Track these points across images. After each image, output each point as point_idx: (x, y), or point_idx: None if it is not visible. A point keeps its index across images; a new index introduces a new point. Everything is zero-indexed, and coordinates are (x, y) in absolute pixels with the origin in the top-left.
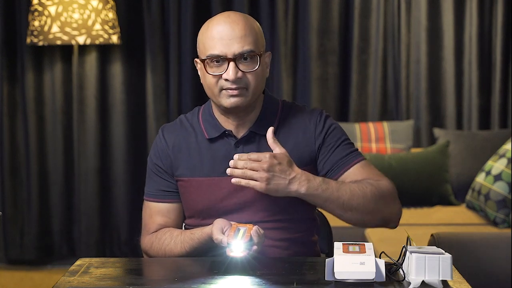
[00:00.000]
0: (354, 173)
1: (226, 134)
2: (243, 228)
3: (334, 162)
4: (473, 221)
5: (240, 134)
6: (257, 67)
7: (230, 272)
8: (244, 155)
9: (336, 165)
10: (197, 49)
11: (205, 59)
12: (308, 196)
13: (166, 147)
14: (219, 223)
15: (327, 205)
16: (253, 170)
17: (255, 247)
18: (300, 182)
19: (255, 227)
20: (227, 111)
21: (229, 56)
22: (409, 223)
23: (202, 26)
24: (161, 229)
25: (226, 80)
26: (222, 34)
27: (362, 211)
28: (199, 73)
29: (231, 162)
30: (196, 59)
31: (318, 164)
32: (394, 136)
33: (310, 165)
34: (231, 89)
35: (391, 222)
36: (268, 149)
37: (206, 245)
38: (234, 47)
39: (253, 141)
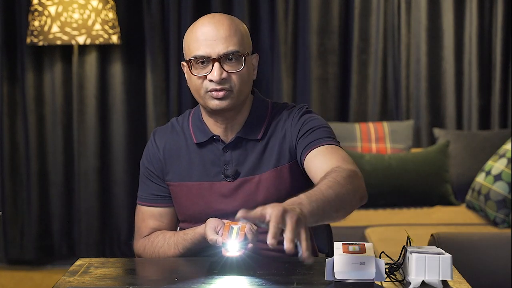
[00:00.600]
0: (320, 153)
1: (214, 139)
2: (236, 226)
3: (305, 145)
4: (473, 221)
5: (229, 138)
6: (242, 67)
7: (225, 272)
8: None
9: (312, 143)
10: (183, 52)
11: (190, 60)
12: (311, 219)
13: (157, 151)
14: (211, 222)
15: (325, 216)
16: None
17: (250, 245)
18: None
19: (248, 225)
20: (214, 113)
21: (214, 56)
22: (409, 223)
23: (188, 29)
24: (154, 232)
25: (211, 81)
26: (206, 35)
27: (347, 198)
28: (186, 76)
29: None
30: (182, 62)
31: (296, 149)
32: (394, 136)
33: (292, 161)
34: (216, 90)
35: (364, 197)
36: (256, 151)
37: (199, 245)
38: (218, 48)
39: (240, 146)
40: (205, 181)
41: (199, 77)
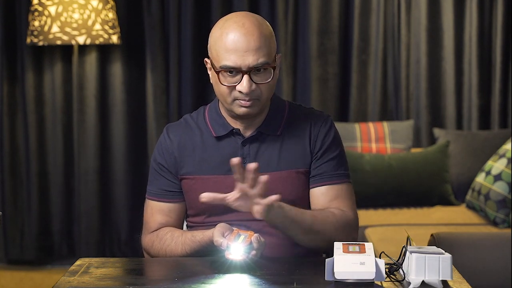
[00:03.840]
0: (335, 192)
1: (233, 132)
2: (243, 234)
3: (322, 171)
4: (473, 221)
5: (248, 133)
6: (270, 79)
7: (228, 272)
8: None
9: (323, 175)
10: (209, 52)
11: (219, 70)
12: (279, 209)
13: (171, 146)
14: (221, 227)
15: (292, 227)
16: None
17: (253, 252)
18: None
19: (256, 235)
20: (238, 117)
21: (244, 68)
22: (409, 223)
23: (215, 28)
24: (162, 228)
25: (240, 92)
26: (237, 46)
27: (322, 237)
28: (209, 72)
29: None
30: (206, 59)
31: (310, 167)
32: (394, 136)
33: (309, 168)
34: (244, 100)
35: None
36: (275, 146)
37: (206, 248)
38: (248, 60)
39: (260, 140)
40: (221, 174)
41: (228, 86)
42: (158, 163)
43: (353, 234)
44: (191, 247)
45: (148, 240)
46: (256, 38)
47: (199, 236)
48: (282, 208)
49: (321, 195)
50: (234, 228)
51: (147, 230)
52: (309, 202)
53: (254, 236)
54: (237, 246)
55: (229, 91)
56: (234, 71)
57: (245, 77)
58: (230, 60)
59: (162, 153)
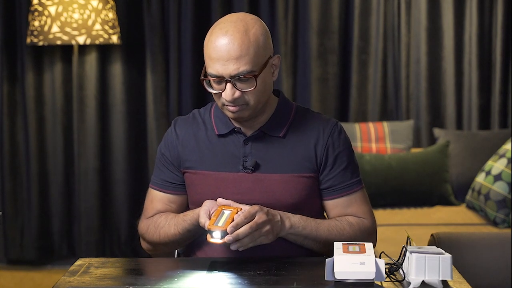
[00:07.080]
0: (349, 201)
1: (235, 131)
2: (227, 212)
3: (336, 183)
4: (473, 221)
5: (250, 132)
6: (254, 87)
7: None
8: (235, 223)
9: (337, 187)
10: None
11: (205, 78)
12: (291, 230)
13: (176, 139)
14: (206, 205)
15: (306, 242)
16: (257, 230)
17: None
18: (286, 218)
19: (240, 211)
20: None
21: (226, 77)
22: (409, 223)
23: (207, 34)
24: (158, 213)
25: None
26: (219, 54)
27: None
28: None
29: (231, 240)
30: None
31: (321, 176)
32: (394, 136)
33: (314, 173)
34: (231, 106)
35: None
36: (278, 148)
37: (198, 227)
38: (230, 69)
39: (262, 140)
40: (222, 171)
41: (215, 93)
42: (162, 154)
43: (371, 239)
44: (183, 226)
45: (144, 225)
46: (237, 47)
47: (190, 215)
48: (294, 228)
49: (337, 206)
50: (220, 205)
51: (145, 216)
52: (313, 206)
53: (237, 214)
54: (217, 230)
55: (217, 97)
56: (218, 79)
57: (228, 85)
58: (213, 69)
59: (167, 145)
